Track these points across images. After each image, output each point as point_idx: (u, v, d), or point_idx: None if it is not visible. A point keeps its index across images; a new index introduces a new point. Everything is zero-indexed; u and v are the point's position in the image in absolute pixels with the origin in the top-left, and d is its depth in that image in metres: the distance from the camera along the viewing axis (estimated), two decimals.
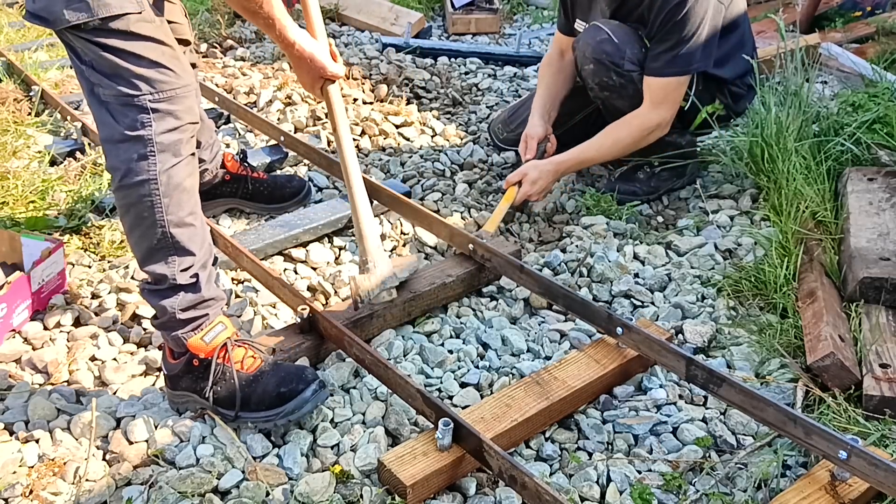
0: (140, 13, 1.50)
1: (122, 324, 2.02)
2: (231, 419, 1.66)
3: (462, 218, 2.55)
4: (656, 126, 2.46)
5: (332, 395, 1.79)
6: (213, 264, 1.73)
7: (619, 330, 1.79)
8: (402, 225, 2.45)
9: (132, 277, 2.18)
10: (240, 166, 2.50)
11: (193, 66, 2.26)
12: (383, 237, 2.39)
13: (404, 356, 1.92)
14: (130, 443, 1.65)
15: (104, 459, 1.63)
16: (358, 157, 2.94)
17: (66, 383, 1.82)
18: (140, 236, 1.60)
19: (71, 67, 3.71)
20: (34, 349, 1.92)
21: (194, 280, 1.64)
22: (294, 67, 1.92)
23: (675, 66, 2.38)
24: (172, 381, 1.71)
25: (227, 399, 1.66)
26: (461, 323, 2.06)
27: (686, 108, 2.48)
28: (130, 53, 1.50)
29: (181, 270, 1.62)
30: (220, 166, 2.46)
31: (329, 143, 3.00)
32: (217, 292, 1.70)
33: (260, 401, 1.64)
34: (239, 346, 1.70)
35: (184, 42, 1.87)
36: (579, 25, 2.67)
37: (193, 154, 1.64)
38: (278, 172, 2.75)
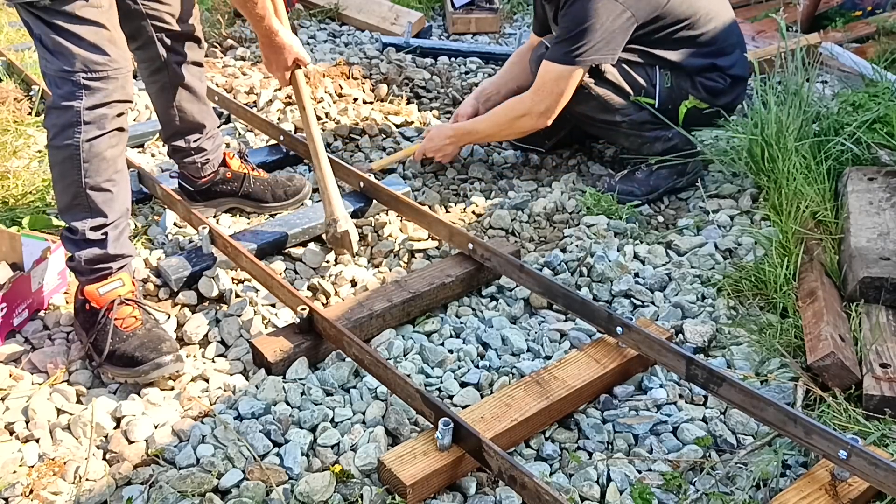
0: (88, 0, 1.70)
1: None
2: (96, 366, 1.84)
3: (461, 218, 2.55)
4: (527, 111, 2.52)
5: (331, 394, 1.79)
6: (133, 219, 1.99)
7: (619, 329, 1.79)
8: (395, 227, 2.45)
9: (135, 277, 2.18)
10: (240, 164, 2.51)
11: (199, 64, 2.30)
12: (379, 237, 2.39)
13: (404, 356, 1.92)
14: (130, 442, 1.65)
15: (104, 459, 1.63)
16: (357, 155, 2.95)
17: (66, 383, 1.82)
18: (61, 191, 1.83)
19: None
20: (34, 349, 1.92)
21: (103, 237, 1.84)
22: (269, 53, 2.21)
23: (555, 54, 2.44)
24: (75, 311, 1.92)
25: (98, 350, 1.82)
26: (461, 322, 2.06)
27: (656, 105, 2.52)
28: (73, 34, 1.70)
29: (91, 228, 1.83)
30: (221, 164, 2.47)
31: (331, 142, 3.00)
32: (125, 249, 1.90)
33: (120, 358, 1.80)
34: (128, 304, 1.87)
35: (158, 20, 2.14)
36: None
37: (122, 129, 1.83)
38: (278, 172, 2.75)
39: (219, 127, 2.48)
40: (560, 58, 2.43)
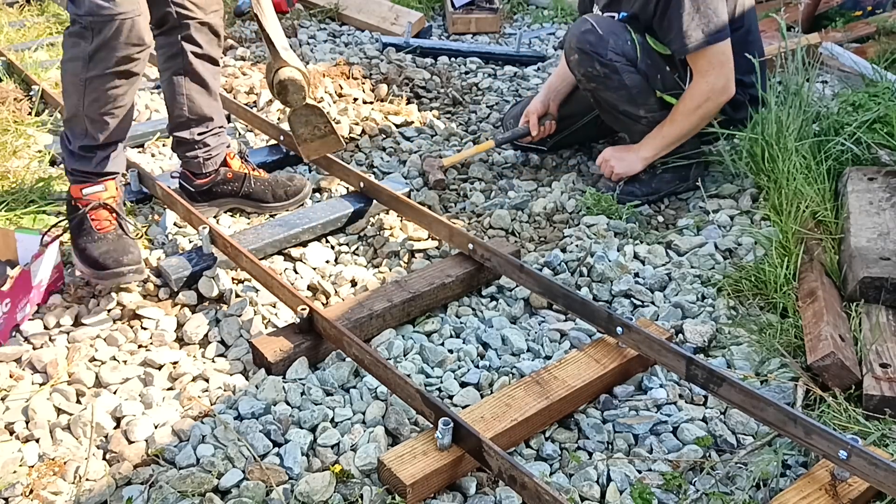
0: None
1: (122, 324, 2.02)
2: (75, 263, 2.06)
3: (459, 217, 2.55)
4: (710, 91, 2.45)
5: (331, 394, 1.79)
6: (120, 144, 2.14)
7: (619, 329, 1.79)
8: (394, 227, 2.45)
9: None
10: (241, 164, 2.51)
11: (215, 61, 2.38)
12: (383, 242, 2.39)
13: (404, 356, 1.92)
14: (130, 442, 1.65)
15: (104, 459, 1.63)
16: (358, 155, 2.95)
17: (66, 383, 1.82)
18: (67, 103, 2.04)
19: None
20: (34, 349, 1.92)
21: (90, 156, 2.07)
22: None
23: (695, 42, 2.39)
24: (67, 203, 2.14)
25: (80, 249, 2.04)
26: (461, 322, 2.06)
27: None
28: None
29: (80, 147, 2.06)
30: (222, 164, 2.48)
31: None
32: (110, 168, 2.10)
33: (87, 258, 2.03)
34: (106, 209, 2.08)
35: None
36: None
37: (130, 73, 1.97)
38: (278, 172, 2.75)
39: (224, 128, 2.49)
40: (702, 43, 2.39)
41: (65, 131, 2.10)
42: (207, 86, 2.35)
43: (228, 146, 2.52)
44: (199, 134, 2.40)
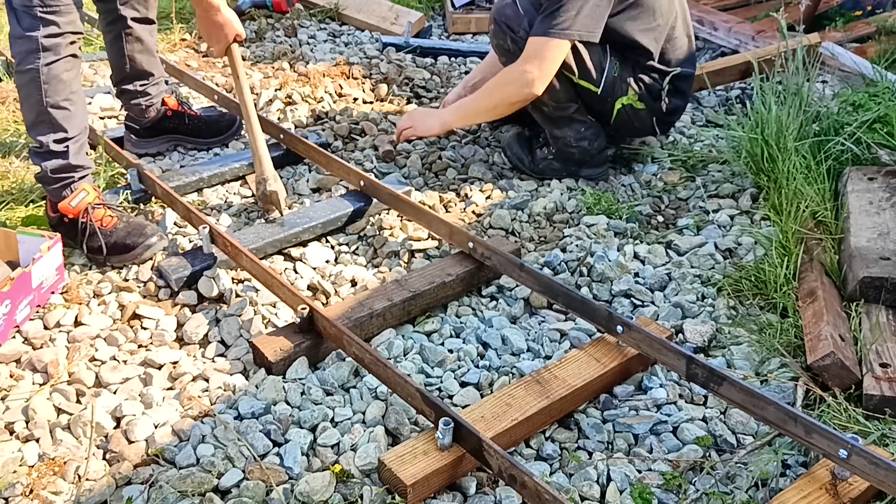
0: None
1: (122, 324, 2.02)
2: (102, 263, 2.21)
3: (461, 218, 2.55)
4: (518, 77, 2.48)
5: (331, 394, 1.79)
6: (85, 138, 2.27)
7: (619, 328, 1.79)
8: (395, 227, 2.45)
9: (136, 277, 2.18)
10: (178, 105, 2.85)
11: (150, 21, 2.63)
12: (383, 242, 2.39)
13: (404, 355, 1.92)
14: (130, 442, 1.65)
15: (104, 459, 1.63)
16: (357, 155, 2.95)
17: (66, 383, 1.82)
18: (28, 110, 2.15)
19: None
20: (34, 349, 1.92)
21: (65, 150, 2.17)
22: (209, 28, 2.46)
23: (543, 26, 2.43)
24: (53, 227, 2.26)
25: (96, 249, 2.19)
26: (461, 322, 2.06)
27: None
28: None
29: (54, 141, 2.15)
30: (162, 104, 2.80)
31: (329, 142, 3.00)
32: (84, 162, 2.24)
33: (115, 247, 2.18)
34: (99, 207, 2.23)
35: None
36: None
37: (75, 56, 2.15)
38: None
39: (162, 77, 2.82)
40: (544, 32, 2.43)
41: (35, 142, 2.17)
42: (146, 43, 2.63)
43: (165, 91, 2.82)
44: (141, 85, 2.71)
